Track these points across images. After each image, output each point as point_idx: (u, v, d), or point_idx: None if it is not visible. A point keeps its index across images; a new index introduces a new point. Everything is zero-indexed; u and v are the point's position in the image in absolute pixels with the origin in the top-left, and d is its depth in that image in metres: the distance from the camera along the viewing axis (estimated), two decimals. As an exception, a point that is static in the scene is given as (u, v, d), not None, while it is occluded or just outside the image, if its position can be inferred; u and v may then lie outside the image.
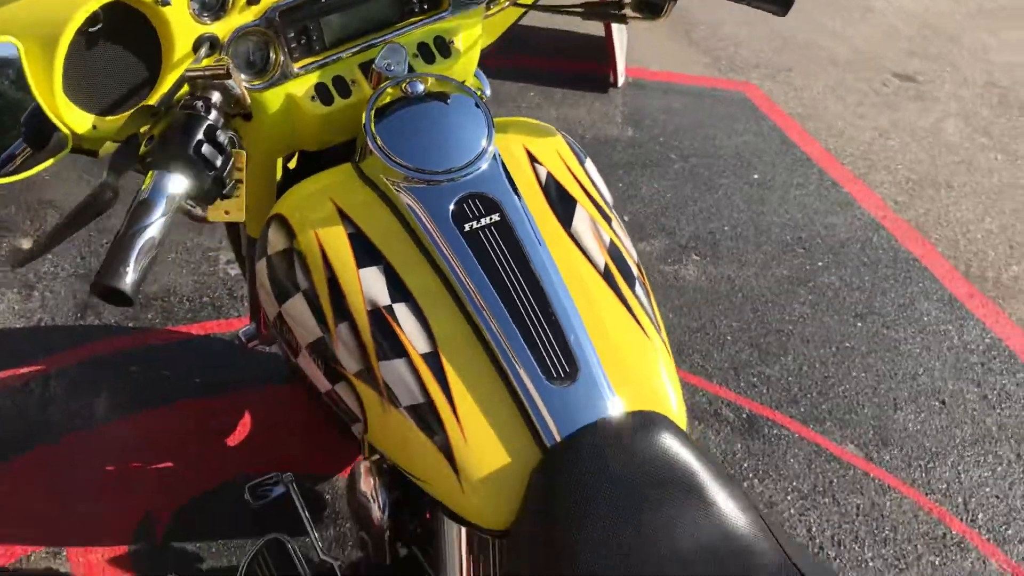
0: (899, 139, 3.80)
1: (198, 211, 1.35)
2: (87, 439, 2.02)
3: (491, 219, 1.11)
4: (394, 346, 1.06)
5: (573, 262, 1.13)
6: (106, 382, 2.15)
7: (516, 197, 1.14)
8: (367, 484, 1.24)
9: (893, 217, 3.28)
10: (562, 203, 1.18)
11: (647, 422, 1.02)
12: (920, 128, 3.89)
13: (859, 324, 2.73)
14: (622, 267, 1.16)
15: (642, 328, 1.12)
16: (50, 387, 2.13)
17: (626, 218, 3.04)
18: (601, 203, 1.21)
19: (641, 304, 1.14)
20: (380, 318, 1.07)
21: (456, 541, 1.10)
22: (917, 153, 3.72)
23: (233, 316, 2.36)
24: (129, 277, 0.89)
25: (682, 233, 3.02)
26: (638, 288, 1.16)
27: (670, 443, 1.01)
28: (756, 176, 3.37)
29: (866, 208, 3.31)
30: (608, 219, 1.20)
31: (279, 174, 1.39)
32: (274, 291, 1.16)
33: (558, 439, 1.01)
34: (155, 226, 0.93)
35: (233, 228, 1.86)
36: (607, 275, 1.14)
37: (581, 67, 3.83)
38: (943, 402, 2.50)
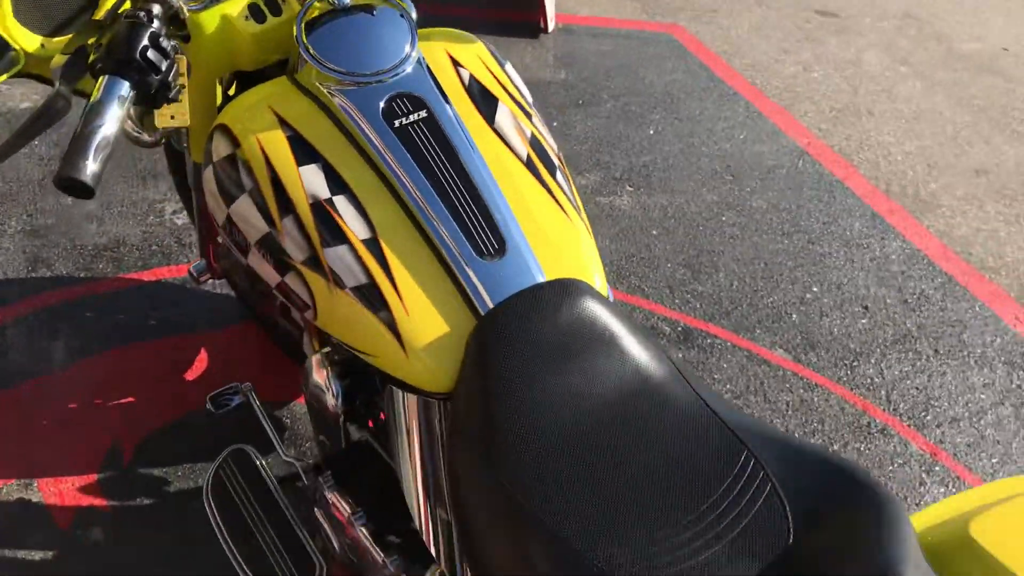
0: (822, 71, 3.94)
1: (145, 137, 1.43)
2: (48, 381, 2.09)
3: (419, 115, 1.21)
4: (336, 234, 1.15)
5: (497, 153, 1.23)
6: (62, 328, 2.21)
7: (441, 96, 1.24)
8: (320, 375, 1.34)
9: (817, 144, 3.43)
10: (485, 101, 1.28)
11: (570, 288, 1.13)
12: (842, 60, 4.04)
13: (786, 242, 2.87)
14: (543, 157, 1.27)
15: (563, 209, 1.23)
16: (7, 336, 2.18)
17: (561, 155, 3.14)
18: (522, 101, 1.31)
19: (562, 189, 1.25)
20: (321, 210, 1.16)
21: (403, 409, 1.20)
22: (839, 84, 3.87)
23: (183, 262, 2.43)
24: (89, 169, 0.97)
25: (616, 167, 3.13)
26: (559, 175, 1.26)
27: (591, 305, 1.12)
28: (685, 111, 3.49)
29: (791, 136, 3.45)
30: (529, 115, 1.30)
31: (219, 99, 1.47)
32: (222, 195, 1.24)
33: (490, 306, 1.11)
34: (108, 125, 1.01)
35: (178, 165, 1.93)
36: (529, 164, 1.25)
37: (511, 15, 3.90)
38: (866, 307, 2.65)
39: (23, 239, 2.46)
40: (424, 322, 1.12)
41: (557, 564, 0.94)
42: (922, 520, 1.07)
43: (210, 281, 2.28)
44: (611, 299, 1.20)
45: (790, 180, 3.18)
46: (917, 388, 2.40)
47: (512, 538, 0.98)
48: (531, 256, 1.15)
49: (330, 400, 1.33)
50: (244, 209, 1.21)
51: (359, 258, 1.14)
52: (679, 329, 2.49)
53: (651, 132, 3.33)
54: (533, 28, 3.85)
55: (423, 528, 1.21)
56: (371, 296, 1.13)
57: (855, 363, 2.45)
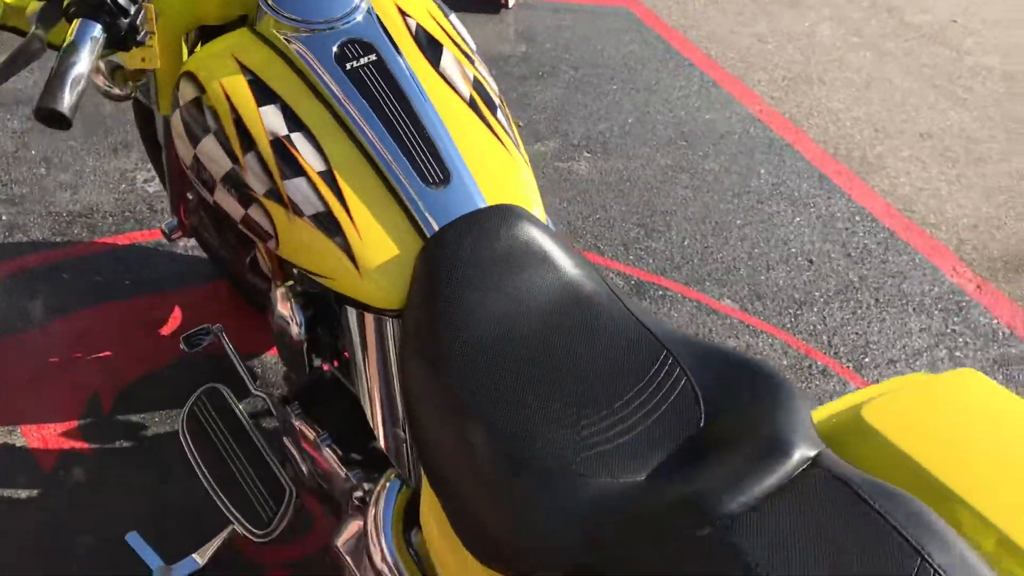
0: (776, 43, 4.07)
1: (116, 90, 1.53)
2: (29, 337, 2.18)
3: (369, 59, 1.32)
4: (294, 168, 1.26)
5: (442, 94, 1.35)
6: (41, 288, 2.30)
7: (390, 41, 1.35)
8: (284, 307, 1.45)
9: (769, 110, 3.56)
10: (431, 48, 1.39)
11: (508, 212, 1.24)
12: (796, 32, 4.17)
13: (736, 201, 3.00)
14: (485, 97, 1.38)
15: (503, 144, 1.34)
16: (-14, 297, 2.28)
17: (521, 124, 3.25)
18: (465, 48, 1.43)
19: (502, 126, 1.36)
20: (280, 146, 1.27)
21: (360, 330, 1.31)
22: (792, 54, 4.00)
23: (155, 227, 2.52)
24: (66, 101, 1.08)
25: (574, 134, 3.24)
26: (499, 114, 1.38)
27: (528, 227, 1.23)
28: (642, 82, 3.61)
29: (744, 104, 3.58)
30: (472, 60, 1.41)
31: (185, 56, 1.57)
32: (189, 137, 1.35)
33: (436, 229, 1.22)
34: (81, 63, 1.12)
35: (148, 129, 2.03)
36: (472, 103, 1.36)
37: (472, -9, 4.02)
38: (811, 261, 2.78)
39: (-1, 207, 2.55)
40: (376, 245, 1.23)
41: (494, 449, 1.06)
42: (823, 412, 1.19)
43: (182, 243, 2.39)
44: (551, 227, 1.31)
45: (742, 145, 3.31)
46: (857, 333, 2.54)
47: (455, 431, 1.10)
48: (473, 184, 1.27)
49: (294, 329, 1.44)
50: (209, 148, 1.31)
51: (315, 188, 1.25)
52: (632, 282, 2.62)
53: (608, 101, 3.45)
54: (494, 3, 3.95)
55: (380, 435, 1.33)
56: (327, 222, 1.24)
57: (799, 311, 2.59)
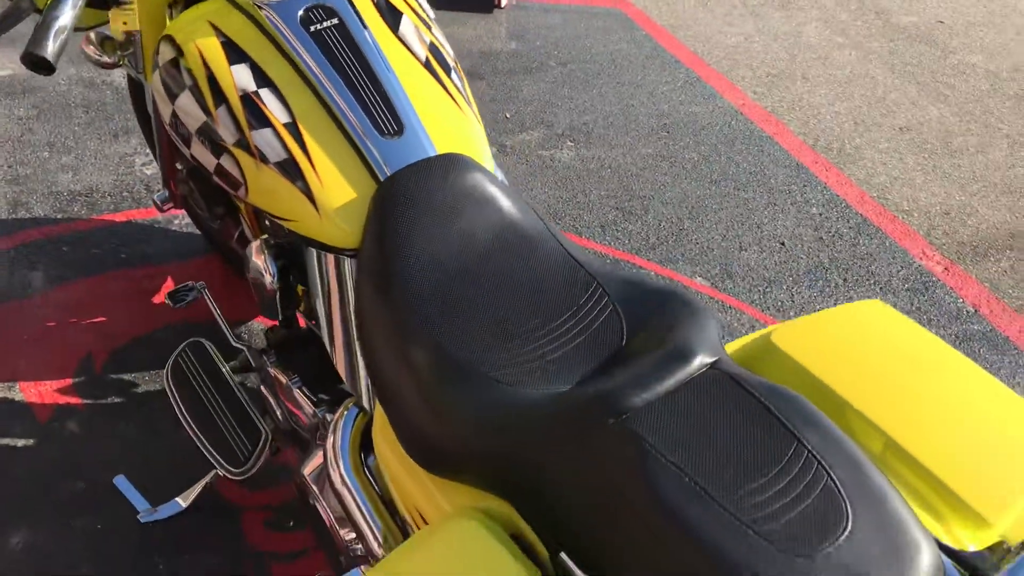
0: (762, 42, 4.18)
1: (105, 59, 1.66)
2: (29, 303, 2.30)
3: (331, 22, 1.44)
4: (261, 119, 1.38)
5: (400, 55, 1.46)
6: (41, 260, 2.43)
7: (351, 7, 1.47)
8: (259, 258, 1.56)
9: (751, 105, 3.67)
10: (391, 14, 1.51)
11: (456, 160, 1.35)
12: (783, 32, 4.28)
13: (713, 188, 3.10)
14: (440, 60, 1.50)
15: (455, 101, 1.46)
16: (-10, 267, 2.41)
17: (508, 115, 3.37)
18: (424, 16, 1.55)
19: (456, 86, 1.48)
20: (249, 100, 1.39)
21: (320, 267, 1.42)
22: (778, 53, 4.11)
23: (151, 206, 2.65)
24: (50, 48, 1.20)
25: (559, 125, 3.36)
26: (453, 75, 1.50)
27: (474, 174, 1.34)
28: (628, 77, 3.73)
29: (727, 99, 3.69)
30: (429, 27, 1.53)
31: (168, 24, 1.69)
32: (167, 94, 1.47)
33: (388, 174, 1.34)
34: (64, 16, 1.24)
35: (140, 104, 2.15)
36: (427, 65, 1.48)
37: (467, -10, 4.15)
38: (783, 243, 2.89)
39: (3, 186, 2.67)
40: (334, 189, 1.35)
41: (431, 364, 1.17)
42: (741, 341, 1.30)
43: (176, 221, 2.51)
44: (505, 181, 1.42)
45: (722, 136, 3.41)
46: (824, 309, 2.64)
47: (399, 348, 1.21)
48: (425, 135, 1.38)
49: (268, 279, 1.56)
50: (185, 103, 1.43)
51: (280, 138, 1.37)
52: (608, 261, 2.72)
53: (594, 95, 3.57)
54: (487, 4, 4.07)
55: (339, 366, 1.44)
56: (290, 169, 1.36)
57: (768, 289, 2.69)
